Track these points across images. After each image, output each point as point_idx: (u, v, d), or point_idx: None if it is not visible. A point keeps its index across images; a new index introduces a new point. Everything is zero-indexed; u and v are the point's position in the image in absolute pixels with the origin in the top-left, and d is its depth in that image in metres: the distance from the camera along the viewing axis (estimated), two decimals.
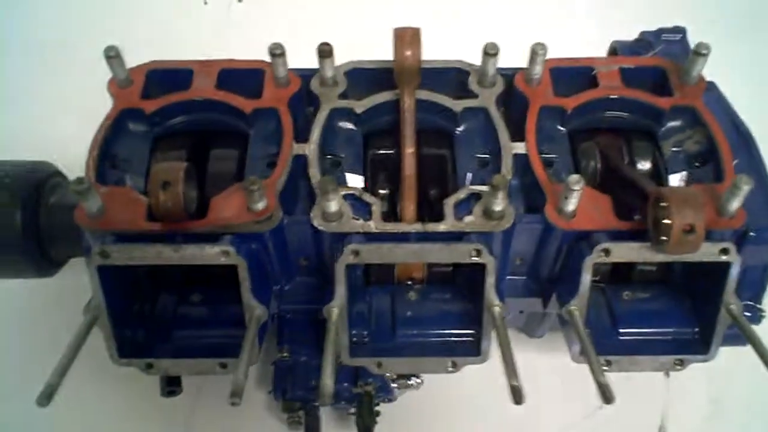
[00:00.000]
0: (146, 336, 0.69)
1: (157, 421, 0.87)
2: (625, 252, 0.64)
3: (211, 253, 0.63)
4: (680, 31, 0.86)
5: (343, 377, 0.76)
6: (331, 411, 0.82)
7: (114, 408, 0.89)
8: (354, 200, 0.68)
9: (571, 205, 0.65)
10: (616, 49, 0.87)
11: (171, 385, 0.75)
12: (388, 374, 0.76)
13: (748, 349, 0.69)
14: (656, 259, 0.64)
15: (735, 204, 0.65)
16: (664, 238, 0.60)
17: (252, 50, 0.79)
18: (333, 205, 0.65)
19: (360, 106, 0.74)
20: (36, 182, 0.76)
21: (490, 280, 0.64)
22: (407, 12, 1.23)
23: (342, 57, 0.76)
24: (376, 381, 0.76)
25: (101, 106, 0.71)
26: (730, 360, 0.70)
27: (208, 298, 0.72)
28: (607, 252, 0.63)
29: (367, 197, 0.68)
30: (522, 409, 0.82)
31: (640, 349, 0.70)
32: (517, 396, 0.57)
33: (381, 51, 0.75)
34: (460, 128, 0.75)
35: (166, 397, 0.75)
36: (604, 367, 0.65)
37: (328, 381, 0.57)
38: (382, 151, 0.76)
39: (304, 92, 0.76)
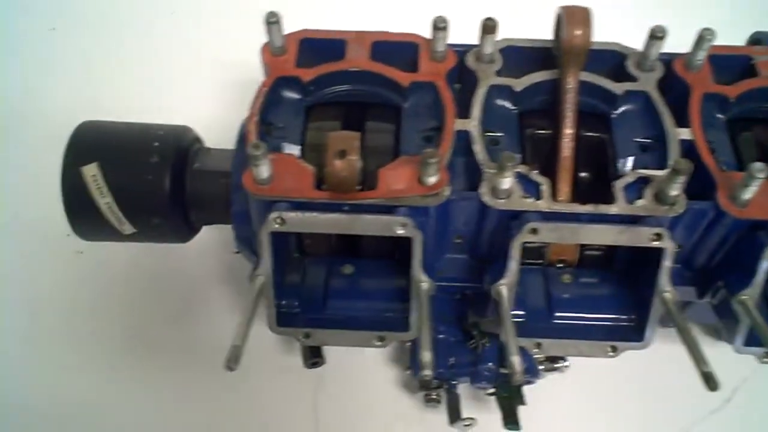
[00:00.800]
0: (301, 306, 0.69)
1: (283, 397, 0.86)
2: None
3: (390, 223, 0.62)
4: None
5: (489, 357, 0.75)
6: (469, 391, 0.81)
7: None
8: (521, 178, 0.67)
9: (749, 194, 0.64)
10: (760, 40, 0.85)
11: (315, 356, 0.74)
12: (537, 356, 0.75)
13: None
14: None
15: None
16: None
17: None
18: (507, 182, 0.64)
19: (519, 84, 0.73)
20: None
21: (667, 264, 0.63)
22: None
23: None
24: (525, 361, 0.74)
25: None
26: None
27: (359, 270, 0.71)
28: None
29: (536, 176, 0.67)
30: (651, 401, 0.82)
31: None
32: (711, 382, 0.56)
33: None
34: (618, 111, 0.74)
35: (310, 368, 0.74)
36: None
37: (516, 358, 0.57)
38: (537, 131, 0.74)
39: (456, 68, 0.75)
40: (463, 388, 0.78)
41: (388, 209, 0.64)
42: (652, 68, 0.74)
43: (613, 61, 0.76)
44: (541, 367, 0.76)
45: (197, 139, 0.79)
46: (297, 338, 0.67)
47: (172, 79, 1.14)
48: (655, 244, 0.62)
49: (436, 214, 0.66)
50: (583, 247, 0.72)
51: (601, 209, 0.65)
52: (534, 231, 0.62)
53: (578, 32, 0.69)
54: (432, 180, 0.64)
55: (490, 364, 0.74)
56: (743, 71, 0.76)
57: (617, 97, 0.73)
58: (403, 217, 0.62)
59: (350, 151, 0.62)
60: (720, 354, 0.65)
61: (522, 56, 0.76)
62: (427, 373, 0.55)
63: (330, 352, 0.82)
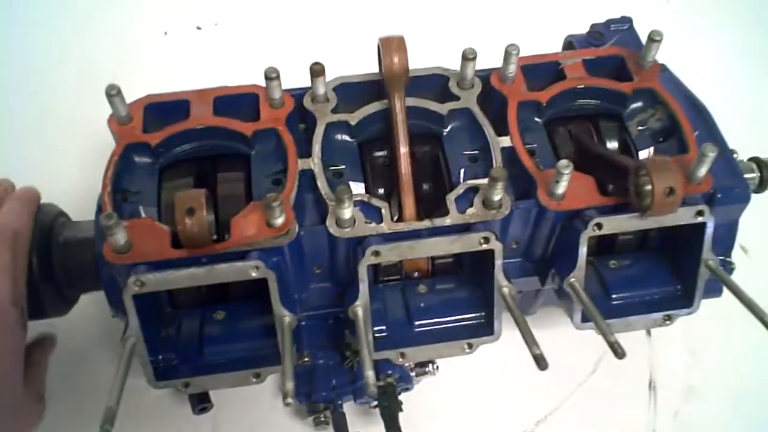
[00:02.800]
0: (178, 357, 0.73)
1: None
2: (615, 224, 0.71)
3: (243, 269, 0.66)
4: (627, 20, 0.95)
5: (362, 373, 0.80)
6: (355, 407, 0.87)
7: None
8: (363, 206, 0.73)
9: (561, 188, 0.72)
10: (572, 43, 0.95)
11: (202, 402, 0.78)
12: (406, 364, 0.82)
13: (717, 300, 0.78)
14: (642, 227, 0.71)
15: (703, 170, 0.73)
16: (648, 201, 0.67)
17: (218, 75, 0.84)
18: (347, 212, 0.69)
19: (353, 118, 0.79)
20: (45, 226, 0.78)
21: (499, 263, 0.71)
22: (357, 30, 1.29)
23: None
24: (396, 372, 0.81)
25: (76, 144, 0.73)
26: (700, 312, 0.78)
27: (230, 315, 0.76)
28: (599, 226, 0.70)
29: (376, 201, 0.73)
30: (524, 383, 0.90)
31: (632, 310, 0.77)
32: (541, 363, 0.63)
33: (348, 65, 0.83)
34: (447, 129, 0.81)
35: (199, 414, 0.78)
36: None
37: (370, 372, 0.62)
38: (377, 155, 0.81)
39: (296, 110, 0.81)
40: (349, 406, 0.84)
41: (243, 255, 0.69)
42: (471, 86, 0.82)
43: (437, 83, 0.83)
44: (412, 374, 0.83)
45: (61, 214, 0.82)
46: (178, 389, 0.70)
47: (39, 154, 1.15)
48: (484, 246, 0.69)
49: (290, 251, 0.72)
50: (434, 257, 0.79)
51: (436, 223, 0.72)
52: (376, 253, 0.68)
53: (395, 59, 0.76)
54: (279, 221, 0.69)
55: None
56: (554, 76, 0.85)
57: (443, 116, 0.80)
58: (255, 260, 0.67)
59: (198, 208, 0.66)
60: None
61: (355, 91, 0.82)
62: (288, 401, 0.60)
63: (221, 393, 0.86)
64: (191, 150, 0.79)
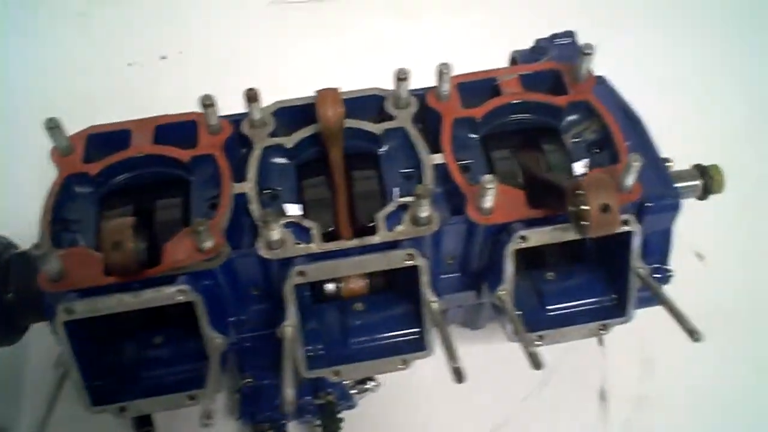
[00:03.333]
0: (116, 382, 0.74)
1: None
2: (539, 236, 0.71)
3: (169, 294, 0.68)
4: (570, 34, 0.95)
5: (305, 391, 0.81)
6: (299, 427, 0.88)
7: None
8: (295, 227, 0.74)
9: (488, 203, 0.73)
10: (515, 59, 0.96)
11: (143, 426, 0.79)
12: (345, 382, 0.82)
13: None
14: (567, 238, 0.72)
15: (630, 180, 0.73)
16: (586, 223, 0.67)
17: (181, 103, 0.85)
18: (275, 234, 0.71)
19: (289, 142, 0.81)
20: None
21: (424, 279, 0.71)
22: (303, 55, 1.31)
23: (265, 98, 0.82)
24: (335, 390, 0.82)
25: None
26: (652, 321, 0.78)
27: (169, 339, 0.77)
28: (524, 238, 0.71)
29: (306, 222, 0.74)
30: (475, 395, 0.90)
31: (568, 320, 0.77)
32: (459, 376, 0.64)
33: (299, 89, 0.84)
34: (384, 148, 0.82)
35: None
36: (537, 342, 0.73)
37: (289, 390, 0.63)
38: (314, 178, 0.82)
39: (236, 135, 0.82)
40: (296, 426, 0.85)
41: (172, 280, 0.70)
42: (407, 105, 0.83)
43: (375, 103, 0.85)
44: (354, 392, 0.84)
45: (10, 245, 0.84)
46: (113, 414, 0.72)
47: None
48: (408, 263, 0.70)
49: (223, 274, 0.73)
50: (371, 276, 0.80)
51: (365, 241, 0.73)
52: (302, 273, 0.70)
53: (330, 113, 0.78)
54: (208, 245, 0.70)
55: (307, 398, 0.81)
56: (491, 92, 0.86)
57: (379, 136, 0.81)
58: (181, 284, 0.68)
59: (125, 240, 0.68)
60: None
61: (293, 114, 0.84)
62: (207, 422, 0.61)
63: (167, 417, 0.88)
64: (131, 178, 0.81)
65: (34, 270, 0.79)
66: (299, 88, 0.84)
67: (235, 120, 0.83)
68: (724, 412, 0.93)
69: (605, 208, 0.67)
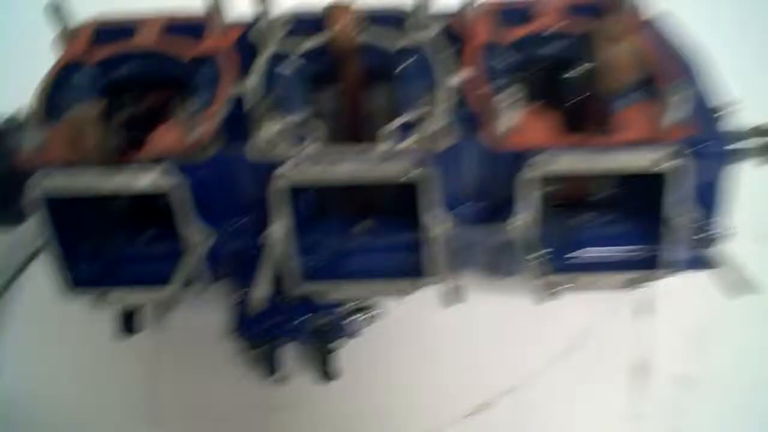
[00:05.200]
0: (100, 270, 0.69)
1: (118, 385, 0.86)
2: (567, 163, 0.64)
3: (144, 180, 0.63)
4: None
5: (302, 309, 0.76)
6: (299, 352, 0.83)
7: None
8: (294, 130, 0.68)
9: (510, 123, 0.65)
10: None
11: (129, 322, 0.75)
12: (341, 308, 0.76)
13: None
14: (598, 165, 0.64)
15: (670, 117, 0.65)
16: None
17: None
18: (269, 132, 0.65)
19: (299, 50, 0.75)
20: None
21: (427, 198, 0.64)
22: None
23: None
24: (330, 312, 0.76)
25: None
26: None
27: (162, 235, 0.72)
28: (551, 164, 0.63)
29: (309, 124, 0.68)
30: (492, 350, 0.82)
31: (594, 267, 0.70)
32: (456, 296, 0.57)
33: None
34: (400, 68, 0.76)
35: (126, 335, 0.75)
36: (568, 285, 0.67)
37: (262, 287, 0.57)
38: (322, 95, 0.76)
39: (245, 42, 0.77)
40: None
41: None
42: (429, 24, 0.76)
43: (395, 21, 0.78)
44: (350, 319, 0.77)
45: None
46: (92, 301, 0.68)
47: None
48: (409, 176, 0.63)
49: (213, 170, 0.67)
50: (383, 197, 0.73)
51: (367, 150, 0.66)
52: (284, 176, 0.64)
53: (344, 27, 0.72)
54: (196, 134, 0.65)
55: (305, 316, 0.76)
56: (524, 19, 0.78)
57: (395, 55, 0.75)
58: (159, 171, 0.63)
59: (88, 132, 0.63)
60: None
61: (307, 25, 0.77)
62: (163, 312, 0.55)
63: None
64: (134, 74, 0.76)
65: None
66: None
67: (247, 26, 0.78)
68: None
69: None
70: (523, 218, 0.65)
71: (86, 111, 0.63)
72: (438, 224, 0.65)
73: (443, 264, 0.67)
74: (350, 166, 0.64)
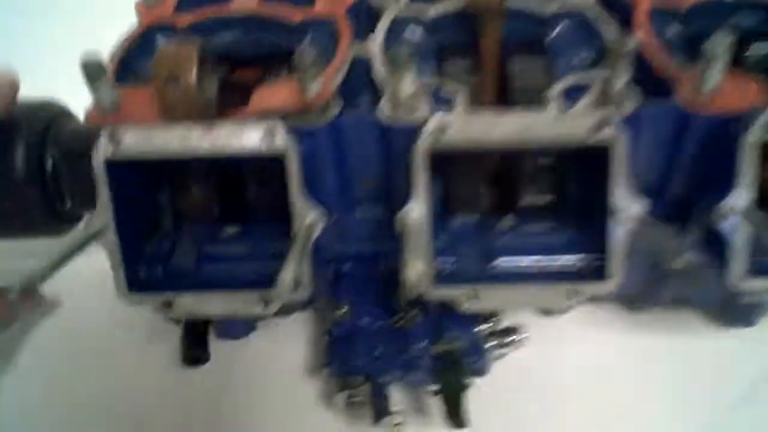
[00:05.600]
0: (165, 272, 0.54)
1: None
2: None
3: (252, 138, 0.48)
4: None
5: (421, 333, 0.58)
6: (406, 390, 0.63)
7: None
8: (433, 92, 0.54)
9: (713, 83, 0.50)
10: None
11: (196, 348, 0.57)
12: (480, 327, 0.58)
13: None
14: None
15: None
16: None
17: None
18: (408, 88, 0.51)
19: (428, 14, 0.62)
20: (42, 122, 0.63)
21: (619, 169, 0.48)
22: None
23: None
24: (463, 335, 0.57)
25: None
26: None
27: (245, 231, 0.57)
28: None
29: (450, 85, 0.54)
30: (652, 394, 0.63)
31: None
32: None
33: None
34: (554, 33, 0.62)
35: (189, 365, 0.57)
36: None
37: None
38: (456, 68, 0.62)
39: (360, 7, 0.65)
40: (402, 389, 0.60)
41: None
42: None
43: None
44: (490, 344, 0.58)
45: (65, 114, 0.67)
46: (154, 309, 0.51)
47: None
48: (599, 136, 0.48)
49: (328, 137, 0.53)
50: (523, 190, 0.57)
51: (530, 113, 0.51)
52: (441, 130, 0.48)
53: None
54: (313, 91, 0.51)
55: (424, 342, 0.57)
56: None
57: (548, 19, 0.62)
58: (272, 125, 0.48)
59: (185, 73, 0.50)
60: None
61: None
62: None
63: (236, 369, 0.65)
64: (229, 42, 0.63)
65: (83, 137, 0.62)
66: None
67: None
68: None
69: None
70: (742, 195, 0.49)
71: (185, 45, 0.50)
72: (631, 206, 0.49)
73: (621, 265, 0.50)
74: (519, 125, 0.48)
